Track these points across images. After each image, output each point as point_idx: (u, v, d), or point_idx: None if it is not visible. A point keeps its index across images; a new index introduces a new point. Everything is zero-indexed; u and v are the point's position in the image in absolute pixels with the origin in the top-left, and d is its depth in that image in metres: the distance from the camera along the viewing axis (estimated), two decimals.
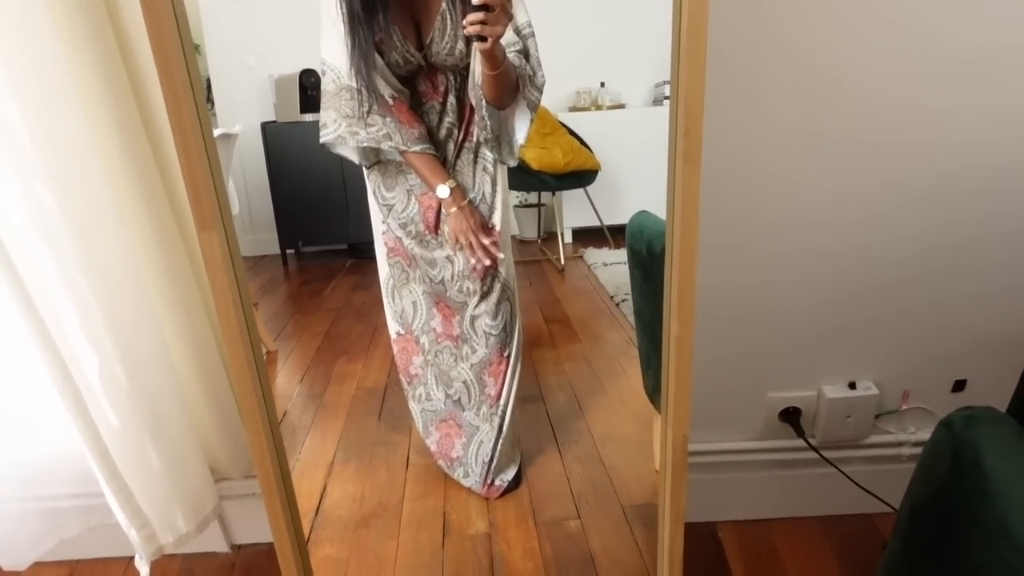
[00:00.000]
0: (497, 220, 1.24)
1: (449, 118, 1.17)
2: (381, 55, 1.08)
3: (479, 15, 0.92)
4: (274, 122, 2.69)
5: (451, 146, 1.18)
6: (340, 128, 1.11)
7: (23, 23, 0.80)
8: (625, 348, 2.03)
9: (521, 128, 1.16)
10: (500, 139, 1.16)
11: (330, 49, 1.08)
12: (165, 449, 1.04)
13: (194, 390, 1.10)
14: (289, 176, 2.57)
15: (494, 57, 0.98)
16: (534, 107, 1.13)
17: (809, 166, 1.05)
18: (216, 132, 1.68)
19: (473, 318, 1.29)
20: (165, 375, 1.03)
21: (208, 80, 2.92)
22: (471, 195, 1.21)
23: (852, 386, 1.22)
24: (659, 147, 3.00)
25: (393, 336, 1.40)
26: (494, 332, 1.29)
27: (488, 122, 1.11)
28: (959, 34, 0.95)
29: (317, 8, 1.13)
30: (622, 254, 2.53)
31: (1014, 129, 1.01)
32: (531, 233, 2.95)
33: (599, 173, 2.64)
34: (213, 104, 2.84)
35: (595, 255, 2.83)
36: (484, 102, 1.08)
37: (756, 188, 1.07)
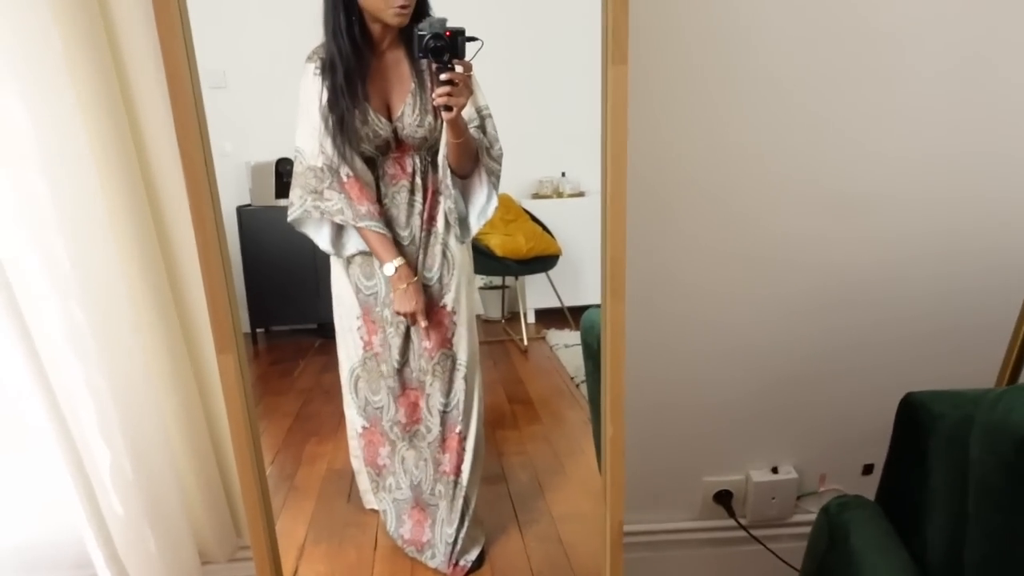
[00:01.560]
0: (449, 301, 1.40)
1: (417, 197, 1.32)
2: (352, 133, 1.26)
3: (446, 88, 1.13)
4: (249, 206, 2.86)
5: (417, 224, 1.33)
6: (305, 203, 1.29)
7: (57, 128, 1.00)
8: (584, 427, 2.21)
9: (480, 198, 1.34)
10: (462, 211, 1.34)
11: (302, 135, 1.27)
12: (161, 535, 1.19)
13: (188, 479, 1.26)
14: (261, 257, 2.72)
15: (457, 126, 1.19)
16: (494, 175, 1.31)
17: (723, 278, 1.30)
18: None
19: (428, 397, 1.44)
20: (166, 465, 1.20)
21: None
22: (430, 275, 1.37)
23: (775, 470, 1.44)
24: None
25: (358, 430, 1.53)
26: (445, 409, 1.44)
27: (452, 190, 1.30)
28: (837, 178, 1.23)
29: (293, 99, 1.32)
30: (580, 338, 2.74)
31: (890, 253, 1.28)
32: (495, 313, 3.16)
33: (560, 258, 2.88)
34: None
35: (556, 336, 3.04)
36: (449, 170, 1.28)
37: (681, 296, 1.32)
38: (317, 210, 1.28)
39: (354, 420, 1.52)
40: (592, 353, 1.41)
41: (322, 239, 1.37)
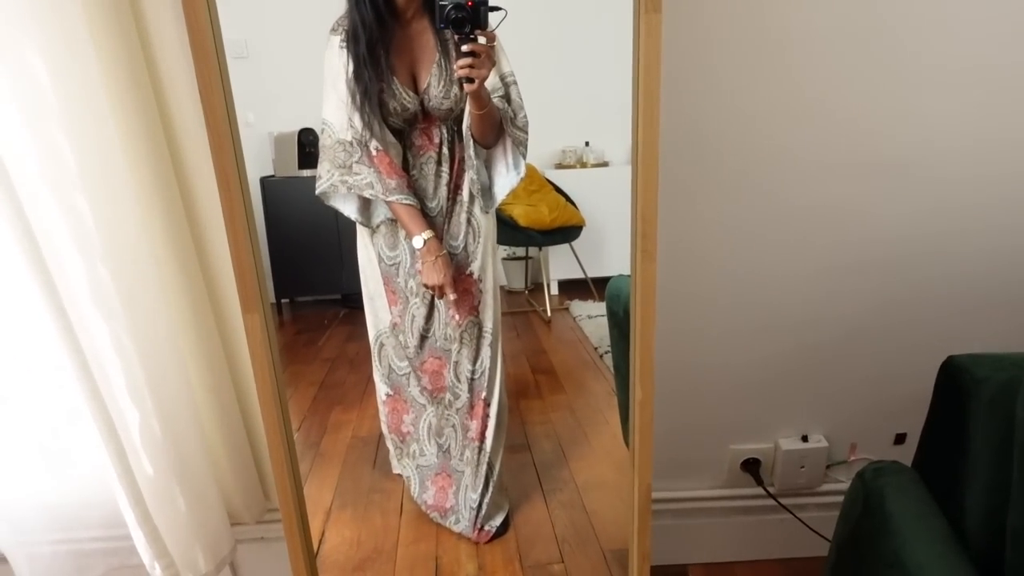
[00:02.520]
0: (476, 269, 1.40)
1: (444, 168, 1.32)
2: (380, 106, 1.26)
3: (468, 59, 1.12)
4: (272, 177, 2.88)
5: (444, 194, 1.34)
6: (333, 177, 1.29)
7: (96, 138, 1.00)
8: (607, 398, 2.20)
9: (503, 167, 1.33)
10: (484, 183, 1.34)
11: (329, 108, 1.27)
12: (190, 493, 1.21)
13: (215, 439, 1.27)
14: (285, 228, 2.74)
15: (480, 98, 1.18)
16: (520, 144, 1.30)
17: (753, 244, 1.26)
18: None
19: (456, 364, 1.46)
20: (192, 426, 1.21)
21: None
22: (455, 243, 1.37)
23: (805, 439, 1.42)
24: None
25: (382, 398, 1.55)
26: (473, 376, 1.46)
27: (475, 160, 1.29)
28: (872, 141, 1.18)
29: (316, 70, 1.32)
30: (605, 307, 2.73)
31: (926, 214, 1.24)
32: (519, 284, 3.15)
33: (584, 228, 2.86)
34: None
35: (580, 307, 3.03)
36: (472, 141, 1.27)
37: (710, 262, 1.28)
38: (344, 184, 1.28)
39: (380, 387, 1.53)
40: (618, 321, 1.40)
41: (350, 209, 1.38)
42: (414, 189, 1.32)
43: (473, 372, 1.45)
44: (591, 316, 2.67)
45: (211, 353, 1.24)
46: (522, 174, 1.34)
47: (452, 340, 1.43)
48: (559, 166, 2.96)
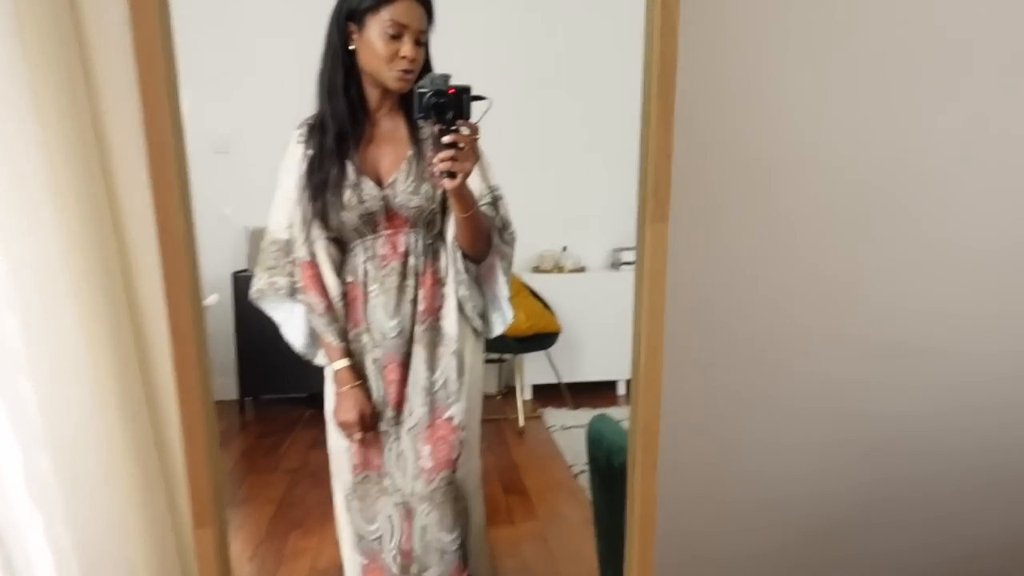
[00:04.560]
0: (456, 413, 1.17)
1: (409, 283, 1.15)
2: (335, 207, 1.11)
3: (449, 152, 1.00)
4: (245, 271, 2.81)
5: (408, 313, 1.15)
6: (260, 281, 1.21)
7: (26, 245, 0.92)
8: (583, 527, 2.11)
9: (497, 288, 1.20)
10: (478, 302, 1.18)
11: (273, 206, 1.19)
12: None
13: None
14: (254, 323, 2.66)
15: (463, 197, 1.06)
16: (508, 262, 1.19)
17: (759, 425, 1.23)
18: None
19: (424, 529, 1.19)
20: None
21: None
22: (433, 378, 1.17)
23: None
24: (617, 309, 3.25)
25: (356, 570, 1.29)
26: (450, 548, 1.19)
27: (465, 276, 1.14)
28: (879, 324, 1.18)
29: (273, 156, 1.27)
30: (580, 416, 2.69)
31: (934, 403, 1.23)
32: (491, 388, 3.09)
33: (560, 334, 2.83)
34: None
35: (554, 416, 2.96)
36: (460, 254, 1.13)
37: (716, 443, 1.24)
38: (272, 288, 1.19)
39: (352, 558, 1.30)
40: (599, 468, 1.34)
41: (294, 328, 1.23)
42: (366, 306, 1.15)
43: (448, 543, 1.20)
44: (565, 427, 2.61)
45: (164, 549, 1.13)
46: (510, 313, 1.25)
47: (421, 498, 1.19)
48: (536, 270, 2.97)
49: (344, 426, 1.18)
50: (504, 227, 1.18)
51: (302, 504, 2.06)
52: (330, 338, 1.17)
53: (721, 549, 1.29)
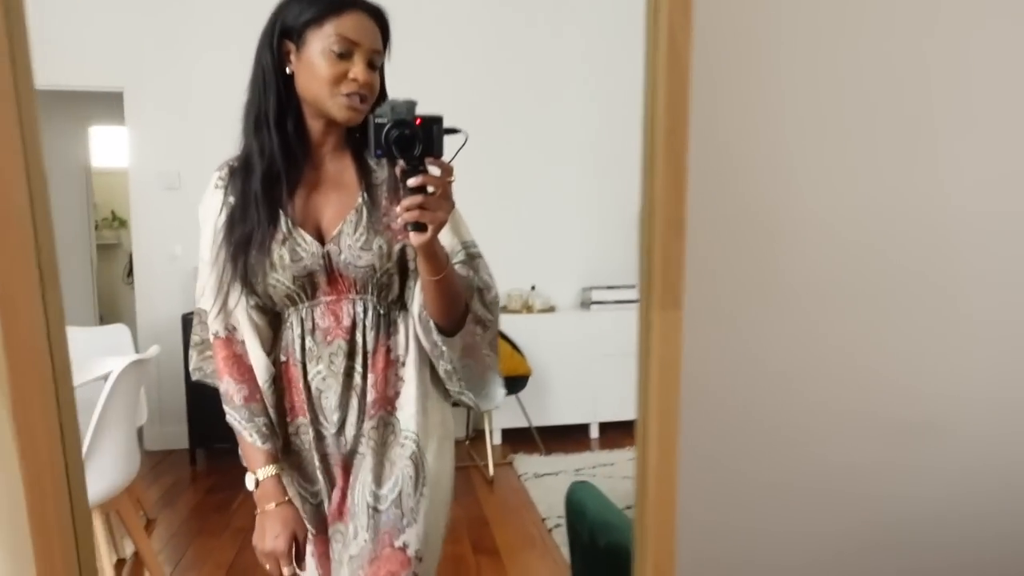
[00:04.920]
0: (412, 540, 0.88)
1: (356, 365, 0.90)
2: (264, 264, 0.89)
3: (417, 198, 0.78)
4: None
5: (355, 406, 0.91)
6: (193, 359, 0.94)
7: None
8: None
9: (489, 366, 0.98)
10: (469, 373, 0.97)
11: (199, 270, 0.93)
12: None
13: None
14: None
15: (435, 256, 0.83)
16: (493, 332, 0.96)
17: (770, 512, 1.14)
18: (127, 360, 1.63)
19: None
20: None
21: (131, 262, 2.94)
22: (380, 492, 0.90)
23: None
24: (587, 350, 3.17)
25: None
26: None
27: (442, 348, 0.91)
28: (897, 404, 1.11)
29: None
30: (553, 462, 2.60)
31: (960, 487, 1.16)
32: (459, 434, 2.98)
33: (530, 377, 2.75)
34: (132, 283, 2.84)
35: (525, 463, 2.85)
36: (432, 326, 0.90)
37: (726, 534, 1.15)
38: (201, 372, 0.92)
39: None
40: (581, 544, 1.24)
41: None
42: (269, 400, 0.90)
43: None
44: (538, 475, 2.51)
45: None
46: (502, 392, 0.99)
47: None
48: (504, 309, 2.88)
49: (268, 557, 0.88)
50: (485, 289, 0.94)
51: (253, 571, 1.92)
52: (251, 438, 0.89)
53: None
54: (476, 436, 2.99)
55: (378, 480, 0.90)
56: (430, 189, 0.79)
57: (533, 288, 3.01)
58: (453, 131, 0.83)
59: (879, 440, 1.11)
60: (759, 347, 1.03)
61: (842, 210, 1.00)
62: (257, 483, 0.88)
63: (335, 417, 0.90)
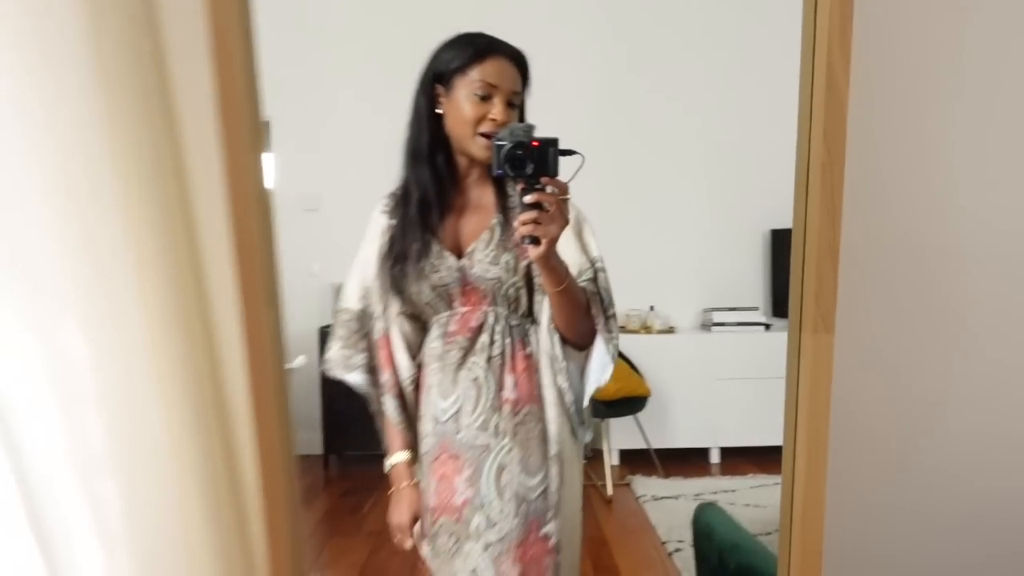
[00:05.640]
0: (552, 531, 0.98)
1: (492, 370, 1.01)
2: (415, 278, 1.03)
3: (532, 214, 0.87)
4: (330, 326, 2.85)
5: (490, 407, 1.01)
6: (332, 351, 1.09)
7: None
8: None
9: (595, 377, 1.03)
10: (576, 393, 1.05)
11: (348, 275, 1.11)
12: None
13: None
14: (340, 380, 2.71)
15: (553, 268, 0.91)
16: (614, 347, 1.01)
17: (921, 544, 1.12)
18: None
19: None
20: None
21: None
22: (531, 484, 1.00)
23: None
24: (708, 372, 3.16)
25: None
26: None
27: (563, 363, 1.01)
28: None
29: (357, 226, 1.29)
30: (672, 486, 2.60)
31: None
32: None
33: (648, 398, 2.77)
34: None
35: (644, 485, 2.87)
36: (558, 337, 1.00)
37: (874, 564, 1.14)
38: (346, 361, 1.07)
39: None
40: (710, 567, 1.27)
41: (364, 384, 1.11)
42: (411, 396, 1.05)
43: None
44: (656, 497, 2.52)
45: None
46: (609, 374, 1.06)
47: None
48: (623, 329, 2.92)
49: (395, 529, 1.04)
50: (606, 305, 1.01)
51: (384, 571, 2.07)
52: (399, 424, 1.04)
53: None
54: (593, 456, 3.04)
55: (528, 472, 1.00)
56: (545, 205, 0.87)
57: (652, 309, 3.04)
58: (569, 152, 0.91)
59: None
60: (910, 373, 1.03)
61: (994, 238, 0.99)
62: (393, 467, 1.04)
63: (444, 405, 1.02)
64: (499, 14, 1.87)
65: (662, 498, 2.69)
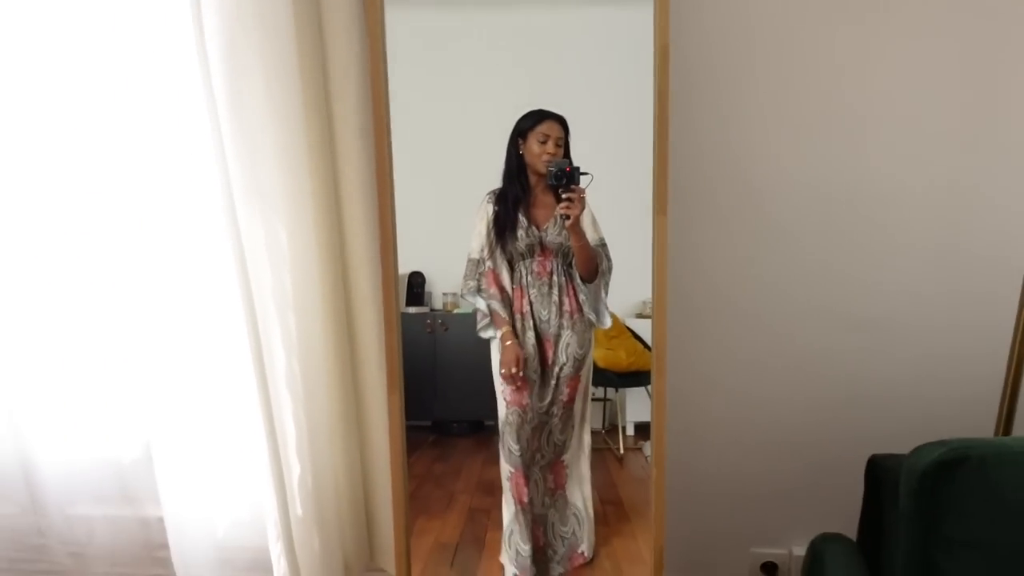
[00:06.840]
0: (585, 372, 2.00)
1: (554, 292, 1.91)
2: (511, 240, 1.88)
3: (566, 203, 1.76)
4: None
5: (555, 312, 1.90)
6: (463, 285, 1.94)
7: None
8: None
9: (603, 300, 1.88)
10: (593, 303, 1.92)
11: (472, 238, 1.93)
12: (323, 537, 1.72)
13: (344, 496, 1.80)
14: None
15: (577, 232, 1.79)
16: (606, 282, 1.88)
17: (757, 380, 1.74)
18: None
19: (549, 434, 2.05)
20: (331, 482, 1.75)
21: None
22: (579, 350, 1.95)
23: None
24: None
25: (506, 475, 2.03)
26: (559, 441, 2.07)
27: (583, 286, 1.87)
28: (849, 303, 1.68)
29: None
30: None
31: (893, 362, 1.72)
32: (596, 424, 3.51)
33: None
34: None
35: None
36: (578, 276, 1.86)
37: (722, 393, 1.76)
38: (467, 287, 1.94)
39: (504, 467, 2.03)
40: None
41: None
42: (527, 301, 1.90)
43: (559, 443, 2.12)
44: None
45: (350, 429, 1.82)
46: (608, 319, 1.95)
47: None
48: (639, 316, 3.39)
49: (506, 364, 1.87)
50: (605, 259, 1.88)
51: (428, 499, 2.36)
52: (504, 313, 1.90)
53: (731, 478, 1.76)
54: (611, 428, 3.53)
55: (580, 345, 1.93)
56: (573, 199, 1.75)
57: None
58: (585, 173, 1.77)
59: (838, 329, 1.66)
60: (747, 252, 1.64)
61: (809, 171, 1.62)
62: (503, 333, 1.88)
63: (544, 314, 1.90)
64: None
65: None
